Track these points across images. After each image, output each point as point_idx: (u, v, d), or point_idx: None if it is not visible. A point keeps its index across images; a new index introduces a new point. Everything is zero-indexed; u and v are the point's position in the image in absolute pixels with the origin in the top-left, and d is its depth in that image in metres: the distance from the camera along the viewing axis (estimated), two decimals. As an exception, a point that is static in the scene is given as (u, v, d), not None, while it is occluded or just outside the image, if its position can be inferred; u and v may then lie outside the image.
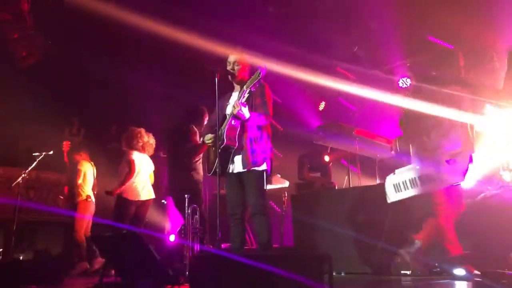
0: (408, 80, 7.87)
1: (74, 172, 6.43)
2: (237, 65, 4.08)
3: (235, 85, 4.17)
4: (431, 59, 6.86)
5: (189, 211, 4.27)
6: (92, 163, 6.66)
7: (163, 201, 6.88)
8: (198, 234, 4.28)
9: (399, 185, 4.24)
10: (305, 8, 8.15)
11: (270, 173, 3.95)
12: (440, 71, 4.49)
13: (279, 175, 6.60)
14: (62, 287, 4.40)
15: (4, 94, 6.81)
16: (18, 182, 6.47)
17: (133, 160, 5.75)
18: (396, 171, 4.32)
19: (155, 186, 6.09)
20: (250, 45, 6.75)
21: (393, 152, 5.10)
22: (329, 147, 6.12)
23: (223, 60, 4.20)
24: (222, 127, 3.87)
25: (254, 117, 3.83)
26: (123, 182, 5.66)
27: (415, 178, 4.16)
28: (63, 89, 7.72)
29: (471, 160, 3.94)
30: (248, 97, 3.85)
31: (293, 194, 5.81)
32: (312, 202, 5.30)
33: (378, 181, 6.02)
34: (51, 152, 6.51)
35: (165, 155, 6.03)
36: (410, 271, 4.16)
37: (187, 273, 3.91)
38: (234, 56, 4.12)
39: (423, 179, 4.12)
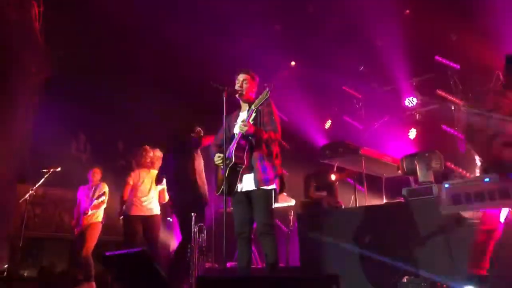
0: (414, 99, 7.90)
1: (94, 206, 6.43)
2: (246, 84, 4.10)
3: (242, 103, 4.19)
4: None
5: (195, 229, 4.27)
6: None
7: (168, 218, 6.86)
8: (205, 253, 4.26)
9: (461, 197, 3.91)
10: (311, 27, 8.27)
11: (279, 191, 3.94)
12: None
13: (285, 194, 6.58)
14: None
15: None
16: (26, 198, 6.49)
17: (128, 184, 5.84)
18: (456, 180, 3.87)
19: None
20: (258, 63, 6.86)
21: (400, 171, 5.09)
22: (335, 166, 6.10)
23: (231, 79, 4.23)
24: (230, 147, 3.88)
25: (263, 135, 3.84)
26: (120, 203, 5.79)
27: (483, 192, 3.76)
28: (70, 105, 7.80)
29: None
30: (255, 116, 3.87)
31: (299, 213, 5.78)
32: (319, 221, 5.27)
33: (384, 201, 5.99)
34: (58, 169, 6.55)
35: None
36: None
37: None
38: (243, 75, 4.14)
39: (493, 193, 3.55)
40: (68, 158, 7.86)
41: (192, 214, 4.33)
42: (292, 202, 6.63)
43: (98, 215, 6.38)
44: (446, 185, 3.73)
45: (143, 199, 5.77)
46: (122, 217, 5.71)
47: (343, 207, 5.71)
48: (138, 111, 8.25)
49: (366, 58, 8.12)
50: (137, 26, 7.38)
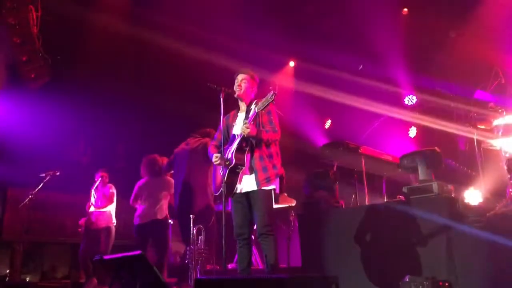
0: (414, 97, 7.87)
1: (105, 197, 6.51)
2: (245, 83, 4.08)
3: (240, 103, 4.17)
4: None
5: (194, 231, 4.25)
6: None
7: (170, 221, 6.85)
8: (204, 256, 4.25)
9: None
10: (311, 26, 8.26)
11: (279, 192, 3.93)
12: None
13: (285, 194, 6.56)
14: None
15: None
16: (26, 203, 6.48)
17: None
18: None
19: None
20: (257, 61, 6.85)
21: (400, 170, 5.07)
22: (336, 165, 6.08)
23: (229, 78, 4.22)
24: (230, 147, 3.87)
25: (264, 136, 3.82)
26: None
27: None
28: (69, 109, 7.80)
29: None
30: (255, 116, 3.85)
31: (300, 213, 5.76)
32: (319, 221, 5.25)
33: (385, 199, 5.97)
34: (58, 173, 6.55)
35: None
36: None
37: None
38: (242, 74, 4.12)
39: None
40: (69, 162, 7.84)
41: (191, 216, 4.32)
42: (293, 203, 6.61)
43: (112, 219, 6.49)
44: None
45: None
46: None
47: (343, 206, 5.69)
48: (138, 114, 8.26)
49: (365, 57, 8.10)
50: (135, 29, 7.39)
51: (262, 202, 3.78)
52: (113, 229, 6.49)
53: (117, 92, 7.83)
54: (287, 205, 6.46)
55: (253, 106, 3.86)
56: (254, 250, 6.11)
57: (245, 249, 3.87)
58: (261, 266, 6.13)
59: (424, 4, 7.46)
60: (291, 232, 6.21)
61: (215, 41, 7.60)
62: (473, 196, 4.27)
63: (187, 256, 4.37)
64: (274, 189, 3.85)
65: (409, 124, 7.86)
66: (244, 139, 3.80)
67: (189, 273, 4.23)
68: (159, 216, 5.84)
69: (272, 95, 3.65)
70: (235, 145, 3.83)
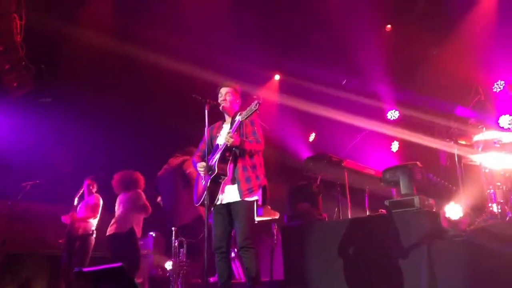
0: (397, 112, 7.98)
1: (88, 207, 6.41)
2: (229, 96, 4.11)
3: (225, 115, 4.19)
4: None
5: (175, 244, 4.22)
6: None
7: (151, 233, 6.79)
8: (185, 269, 4.21)
9: None
10: (295, 40, 8.35)
11: (262, 203, 3.92)
12: None
13: (269, 207, 6.56)
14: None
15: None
16: (5, 214, 6.36)
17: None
18: None
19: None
20: (242, 74, 6.89)
21: (382, 183, 5.12)
22: (319, 178, 6.11)
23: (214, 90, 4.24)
24: (213, 158, 3.86)
25: (247, 146, 3.83)
26: None
27: None
28: (52, 118, 7.71)
29: None
30: (238, 126, 3.87)
31: (283, 226, 5.76)
32: (303, 234, 5.25)
33: (368, 213, 6.00)
34: (37, 182, 6.45)
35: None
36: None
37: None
38: (226, 88, 4.15)
39: None
40: (50, 172, 7.72)
41: (173, 228, 4.29)
42: (276, 215, 6.60)
43: (91, 228, 6.38)
44: None
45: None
46: None
47: (326, 219, 5.70)
48: (122, 124, 8.20)
49: (349, 72, 8.21)
50: (120, 40, 7.38)
51: (244, 213, 3.77)
52: (91, 239, 6.34)
53: (101, 103, 7.78)
54: (270, 218, 6.47)
55: (237, 117, 3.88)
56: (237, 263, 6.08)
57: (224, 262, 3.83)
58: (244, 280, 6.09)
59: (407, 21, 7.61)
60: (274, 245, 6.18)
61: (200, 54, 7.62)
62: (453, 210, 4.32)
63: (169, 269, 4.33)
64: (257, 200, 3.85)
65: (391, 139, 7.96)
66: (228, 149, 3.81)
67: (170, 287, 4.18)
68: (121, 230, 5.82)
69: (256, 104, 3.66)
70: (218, 155, 3.83)
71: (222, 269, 3.81)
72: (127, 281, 3.24)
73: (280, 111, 8.81)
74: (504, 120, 6.12)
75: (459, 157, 5.13)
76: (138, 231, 5.87)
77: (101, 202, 6.50)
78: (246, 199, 3.79)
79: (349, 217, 5.61)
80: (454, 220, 4.27)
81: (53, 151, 8.13)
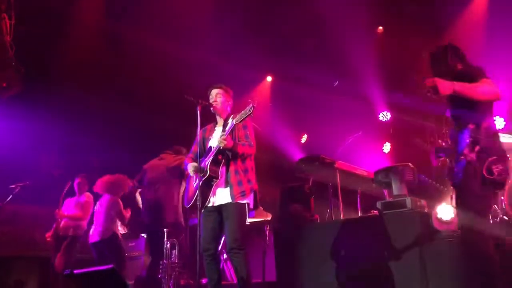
0: (388, 114, 8.01)
1: (79, 206, 6.36)
2: (220, 97, 4.10)
3: (217, 117, 4.18)
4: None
5: (167, 245, 4.19)
6: None
7: (143, 234, 6.74)
8: (177, 270, 4.19)
9: None
10: (287, 42, 8.36)
11: (253, 206, 3.92)
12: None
13: (261, 208, 6.55)
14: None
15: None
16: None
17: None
18: None
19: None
20: (234, 76, 6.88)
21: (374, 185, 5.13)
22: (311, 180, 6.11)
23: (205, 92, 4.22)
24: (205, 160, 3.85)
25: (239, 149, 3.82)
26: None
27: None
28: (41, 120, 7.63)
29: None
30: (232, 129, 3.86)
31: (276, 227, 5.75)
32: (295, 235, 5.25)
33: (360, 214, 6.01)
34: (27, 183, 6.38)
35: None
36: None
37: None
38: (216, 89, 4.14)
39: None
40: (40, 174, 7.65)
41: (165, 230, 4.26)
42: (269, 217, 6.60)
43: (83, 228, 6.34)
44: None
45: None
46: None
47: (318, 221, 5.71)
48: (112, 126, 8.15)
49: (341, 74, 8.23)
50: (111, 41, 7.35)
51: (235, 215, 3.77)
52: (79, 241, 6.29)
53: (91, 104, 7.73)
54: (262, 219, 6.46)
55: (230, 120, 3.87)
56: (229, 264, 6.05)
57: (213, 264, 3.83)
58: (236, 281, 6.07)
59: (399, 24, 7.65)
60: (266, 247, 6.18)
61: (192, 56, 7.60)
62: (445, 211, 4.34)
63: (160, 271, 4.30)
64: (248, 204, 3.84)
65: (383, 140, 7.99)
66: (220, 152, 3.80)
67: (162, 288, 4.15)
68: (104, 236, 5.88)
69: (251, 108, 3.66)
70: (210, 157, 3.82)
71: (211, 272, 3.81)
72: (118, 283, 3.21)
73: (272, 113, 8.82)
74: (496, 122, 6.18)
75: (451, 158, 5.14)
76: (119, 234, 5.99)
77: (92, 201, 6.44)
78: (238, 201, 3.78)
79: (341, 218, 5.62)
80: (446, 221, 4.28)
81: (42, 152, 8.07)
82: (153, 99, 8.12)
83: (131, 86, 8.03)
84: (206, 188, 3.80)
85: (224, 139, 3.71)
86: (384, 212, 4.56)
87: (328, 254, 4.77)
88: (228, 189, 3.82)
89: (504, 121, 6.39)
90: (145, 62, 7.34)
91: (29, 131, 7.47)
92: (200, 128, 3.95)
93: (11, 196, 6.34)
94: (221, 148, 3.75)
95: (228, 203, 3.79)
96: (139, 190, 5.96)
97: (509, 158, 3.24)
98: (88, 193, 6.47)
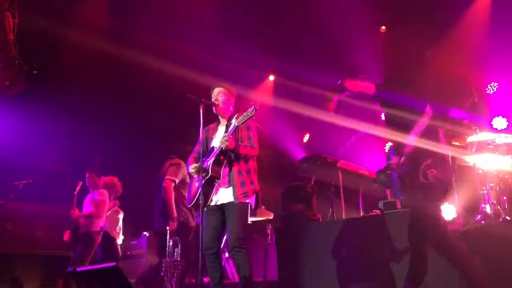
0: (391, 113, 7.97)
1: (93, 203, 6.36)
2: (221, 96, 4.10)
3: (220, 117, 4.18)
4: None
5: (170, 243, 4.20)
6: None
7: (145, 233, 6.76)
8: (180, 269, 4.19)
9: None
10: (290, 41, 8.36)
11: (254, 207, 3.93)
12: None
13: (263, 207, 6.56)
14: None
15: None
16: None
17: None
18: None
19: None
20: (237, 76, 6.87)
21: (376, 184, 5.13)
22: (313, 179, 6.12)
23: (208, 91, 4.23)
24: (207, 159, 3.85)
25: (242, 150, 3.82)
26: None
27: None
28: (44, 118, 7.65)
29: None
30: (234, 130, 3.86)
31: (278, 227, 5.76)
32: (297, 234, 5.26)
33: (362, 213, 6.01)
34: (30, 181, 6.40)
35: None
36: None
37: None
38: (218, 88, 4.14)
39: None
40: (42, 172, 7.67)
41: (167, 227, 4.28)
42: (271, 216, 6.61)
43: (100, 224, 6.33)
44: None
45: None
46: None
47: (320, 220, 5.71)
48: (115, 124, 8.16)
49: (344, 73, 8.20)
50: (114, 41, 7.35)
51: (237, 214, 3.78)
52: (96, 238, 6.21)
53: (94, 103, 7.74)
54: (264, 218, 6.47)
55: (233, 120, 3.87)
56: (231, 263, 6.06)
57: (215, 263, 3.83)
58: (237, 280, 6.08)
59: (402, 23, 7.63)
60: (268, 245, 6.19)
61: (194, 56, 7.61)
62: (447, 211, 4.34)
63: (163, 269, 4.32)
64: (250, 204, 3.85)
65: (385, 140, 7.96)
66: (222, 152, 3.81)
67: (164, 286, 4.16)
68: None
69: (253, 110, 3.66)
70: (213, 158, 3.82)
71: (214, 270, 3.82)
72: (121, 281, 3.22)
73: (275, 112, 8.81)
74: (497, 122, 6.19)
75: (453, 158, 5.14)
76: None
77: (107, 199, 6.36)
78: (241, 201, 3.79)
79: (343, 217, 5.62)
80: (448, 220, 4.28)
81: (46, 150, 8.09)
82: (156, 97, 8.13)
83: (133, 85, 8.03)
84: (208, 188, 3.81)
85: (226, 140, 3.72)
86: (386, 211, 4.56)
87: (329, 254, 4.78)
88: (230, 189, 3.83)
89: (507, 121, 6.38)
90: (148, 61, 7.34)
91: (32, 129, 7.49)
92: (203, 128, 3.95)
93: (14, 193, 6.33)
94: (223, 149, 3.75)
95: (230, 202, 3.80)
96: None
97: None
98: (102, 190, 6.37)
